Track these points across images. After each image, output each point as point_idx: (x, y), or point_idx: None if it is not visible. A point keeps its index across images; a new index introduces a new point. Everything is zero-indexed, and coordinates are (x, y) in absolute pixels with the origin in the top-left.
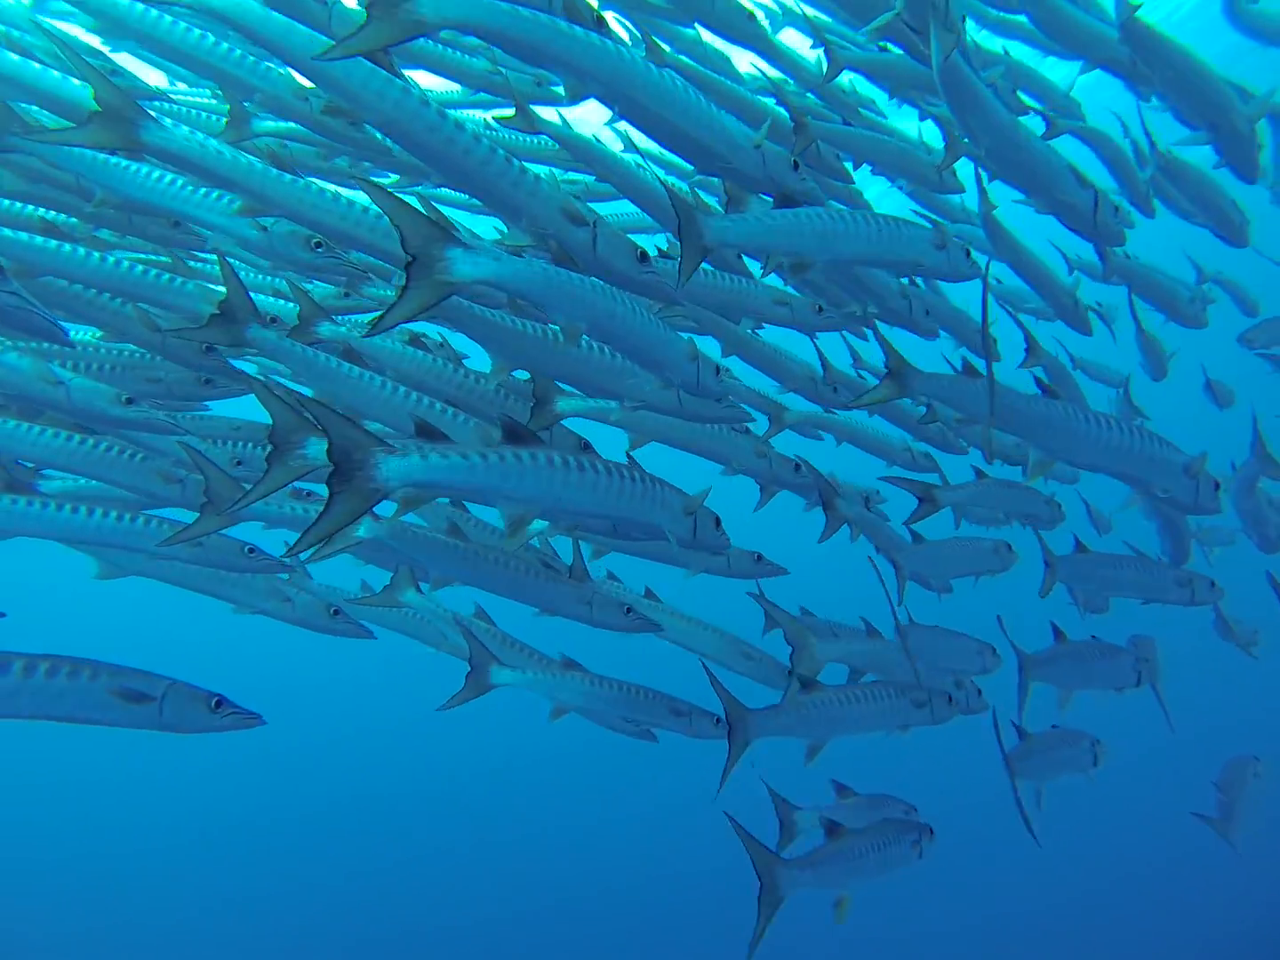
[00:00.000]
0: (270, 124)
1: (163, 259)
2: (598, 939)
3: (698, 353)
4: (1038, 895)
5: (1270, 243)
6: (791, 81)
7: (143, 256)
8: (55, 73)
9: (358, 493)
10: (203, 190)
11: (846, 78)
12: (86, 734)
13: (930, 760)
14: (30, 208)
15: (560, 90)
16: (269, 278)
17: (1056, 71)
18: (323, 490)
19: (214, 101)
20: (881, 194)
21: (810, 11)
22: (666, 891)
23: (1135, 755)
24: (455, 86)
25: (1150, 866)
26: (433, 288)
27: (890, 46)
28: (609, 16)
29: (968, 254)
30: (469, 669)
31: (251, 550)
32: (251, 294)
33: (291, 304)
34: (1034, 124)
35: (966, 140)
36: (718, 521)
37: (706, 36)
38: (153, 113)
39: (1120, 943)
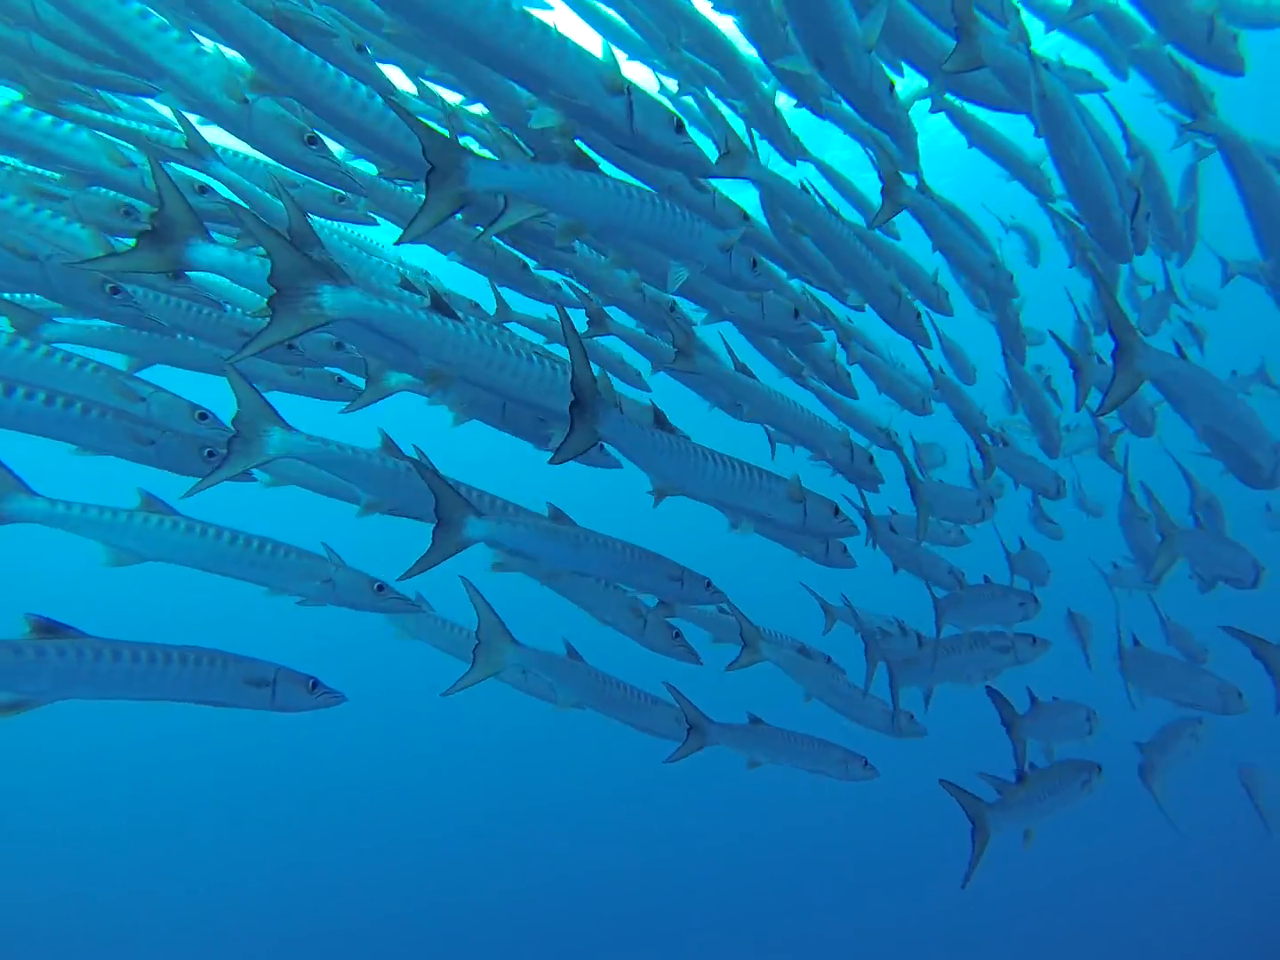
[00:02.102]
0: None
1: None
2: (595, 928)
3: (733, 244)
4: (1035, 893)
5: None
6: None
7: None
8: None
9: (449, 195)
10: (175, 33)
11: None
12: (81, 725)
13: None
14: None
15: None
16: None
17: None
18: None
19: None
20: None
21: None
22: (663, 879)
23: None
24: None
25: (1148, 867)
26: (450, 198)
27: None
28: None
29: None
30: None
31: (204, 415)
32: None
33: None
34: None
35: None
36: (836, 510)
37: None
38: None
39: (1118, 942)
